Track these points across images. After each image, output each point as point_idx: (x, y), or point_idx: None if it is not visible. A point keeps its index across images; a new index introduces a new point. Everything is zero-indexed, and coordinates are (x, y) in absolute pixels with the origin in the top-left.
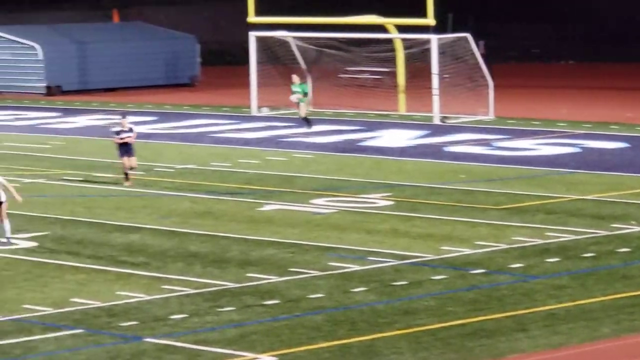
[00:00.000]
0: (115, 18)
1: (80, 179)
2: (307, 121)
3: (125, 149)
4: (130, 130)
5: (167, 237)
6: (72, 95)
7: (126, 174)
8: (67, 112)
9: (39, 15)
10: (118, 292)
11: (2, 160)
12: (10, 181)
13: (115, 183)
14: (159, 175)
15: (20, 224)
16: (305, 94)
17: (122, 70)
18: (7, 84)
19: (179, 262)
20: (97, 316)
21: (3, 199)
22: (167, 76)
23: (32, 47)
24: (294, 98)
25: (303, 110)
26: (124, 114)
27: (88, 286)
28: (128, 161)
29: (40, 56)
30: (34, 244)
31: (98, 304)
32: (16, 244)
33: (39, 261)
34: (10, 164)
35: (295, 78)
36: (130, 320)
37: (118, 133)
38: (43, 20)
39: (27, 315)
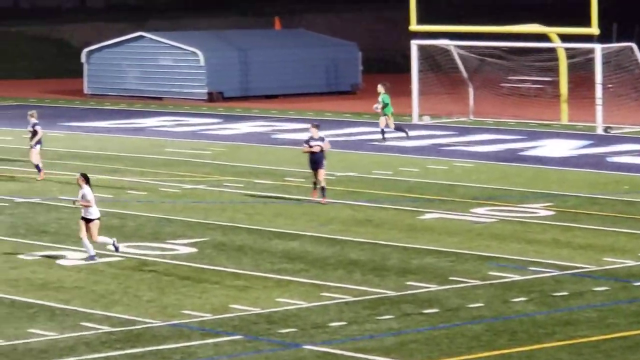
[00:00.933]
0: (277, 25)
1: (241, 185)
2: (400, 130)
3: (314, 159)
4: (321, 139)
5: (327, 245)
6: (233, 101)
7: (315, 185)
8: (228, 118)
9: (201, 22)
10: (277, 299)
11: (163, 166)
12: (170, 187)
13: (275, 190)
14: None
15: (181, 229)
16: (385, 105)
17: (283, 77)
18: (168, 89)
19: (339, 270)
20: (256, 323)
21: (94, 215)
22: (328, 84)
23: (194, 53)
24: (376, 107)
25: (383, 122)
26: (317, 124)
27: (247, 292)
28: (317, 174)
29: (202, 62)
30: (194, 249)
31: (257, 310)
32: (176, 250)
33: (199, 267)
34: (171, 170)
35: (380, 88)
36: (289, 327)
37: (308, 141)
38: (205, 27)
39: (187, 320)
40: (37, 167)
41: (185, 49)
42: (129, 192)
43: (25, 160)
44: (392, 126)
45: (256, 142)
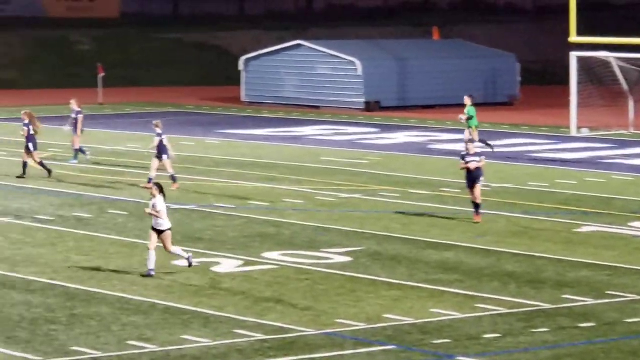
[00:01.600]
0: (435, 35)
1: (397, 195)
2: (485, 143)
3: (470, 177)
4: (477, 155)
5: (481, 256)
6: (390, 111)
7: (475, 204)
8: (385, 128)
9: (360, 31)
10: (431, 310)
11: (319, 175)
12: (326, 196)
13: (431, 200)
14: None
15: (336, 238)
16: (470, 118)
17: (440, 88)
18: (326, 98)
19: (494, 281)
20: (409, 333)
21: (165, 226)
22: (486, 94)
23: (352, 63)
24: (461, 118)
25: (467, 134)
26: (470, 139)
27: (402, 302)
28: (473, 192)
29: (360, 72)
30: (349, 259)
31: (411, 320)
32: (331, 259)
33: (354, 276)
34: (328, 179)
35: (467, 99)
36: (443, 338)
37: (463, 157)
38: (364, 36)
39: (340, 329)
40: (172, 177)
41: (343, 58)
42: (285, 200)
43: (183, 166)
44: (476, 139)
45: (413, 152)
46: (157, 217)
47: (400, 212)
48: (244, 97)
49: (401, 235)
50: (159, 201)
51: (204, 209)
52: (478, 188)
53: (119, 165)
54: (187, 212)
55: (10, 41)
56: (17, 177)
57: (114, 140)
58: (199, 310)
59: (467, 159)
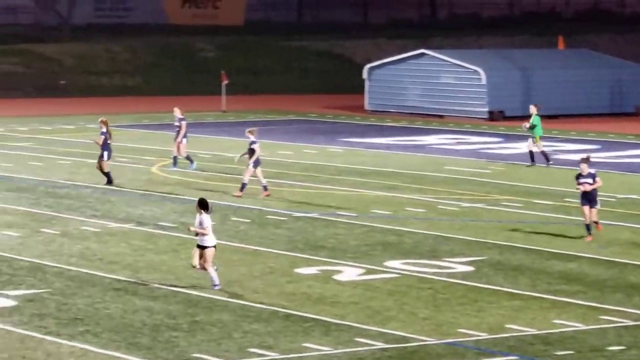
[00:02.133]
0: (560, 44)
1: (519, 205)
2: (544, 155)
3: (585, 197)
4: (591, 177)
5: (605, 267)
6: (514, 120)
7: (588, 227)
8: (509, 137)
9: (484, 40)
10: (554, 321)
11: (442, 184)
12: (449, 205)
13: (554, 210)
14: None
15: (458, 247)
16: (533, 126)
17: (565, 97)
18: (449, 107)
19: (618, 293)
20: (532, 344)
21: (210, 243)
22: (612, 105)
23: (476, 72)
24: (525, 126)
25: (530, 143)
26: (586, 157)
27: (524, 313)
28: (589, 212)
29: (484, 81)
30: (470, 268)
31: (533, 331)
32: (453, 268)
33: (475, 286)
34: (450, 188)
35: (533, 108)
36: (566, 349)
37: (577, 178)
38: (488, 45)
39: (462, 339)
40: (264, 186)
41: (467, 67)
42: (407, 209)
43: (305, 174)
44: (540, 149)
45: (536, 162)
46: (203, 234)
47: (523, 222)
48: (367, 105)
49: (524, 245)
50: (206, 218)
51: (326, 217)
52: (593, 211)
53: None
54: (309, 220)
55: (134, 48)
56: (105, 184)
57: (237, 148)
58: (320, 318)
59: (581, 180)
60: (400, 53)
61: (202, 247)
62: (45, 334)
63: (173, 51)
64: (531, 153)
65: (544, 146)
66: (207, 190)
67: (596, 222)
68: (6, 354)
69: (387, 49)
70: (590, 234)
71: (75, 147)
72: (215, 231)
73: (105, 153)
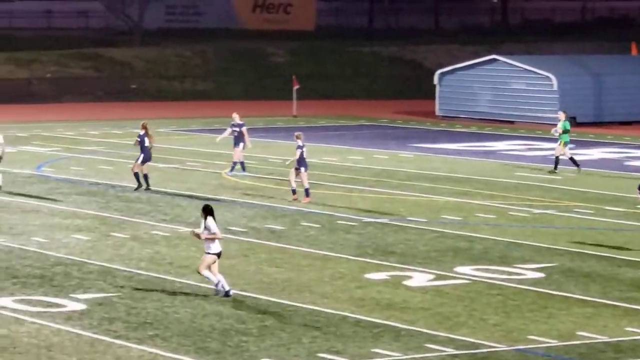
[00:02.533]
0: (634, 51)
1: (591, 211)
2: (573, 161)
3: None
4: None
5: None
6: (586, 127)
7: None
8: (581, 143)
9: (556, 46)
10: (626, 328)
11: (513, 190)
12: (519, 211)
13: (626, 217)
14: None
15: (529, 254)
16: (564, 131)
17: (637, 104)
18: (520, 113)
19: None
20: (603, 351)
21: (213, 250)
22: None
23: (548, 78)
24: (555, 132)
25: (558, 150)
26: None
27: (595, 320)
28: None
29: (555, 87)
30: (541, 275)
31: (605, 339)
32: (523, 274)
33: (546, 292)
34: (521, 194)
35: (562, 115)
36: (637, 357)
37: None
38: (560, 51)
39: (532, 346)
40: (306, 191)
41: (538, 73)
42: (477, 214)
43: (376, 179)
44: (567, 155)
45: (608, 168)
46: (215, 239)
47: (594, 229)
48: (438, 111)
49: (595, 252)
50: (212, 223)
51: (397, 223)
52: None
53: (312, 180)
54: (379, 225)
55: (204, 52)
56: (135, 189)
57: (308, 152)
58: (390, 323)
59: None
60: (471, 59)
61: (207, 253)
62: (115, 337)
63: (244, 56)
64: (572, 159)
65: (573, 153)
66: (278, 197)
67: None
68: (75, 358)
69: (459, 55)
70: None
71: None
72: (285, 236)
73: (141, 156)
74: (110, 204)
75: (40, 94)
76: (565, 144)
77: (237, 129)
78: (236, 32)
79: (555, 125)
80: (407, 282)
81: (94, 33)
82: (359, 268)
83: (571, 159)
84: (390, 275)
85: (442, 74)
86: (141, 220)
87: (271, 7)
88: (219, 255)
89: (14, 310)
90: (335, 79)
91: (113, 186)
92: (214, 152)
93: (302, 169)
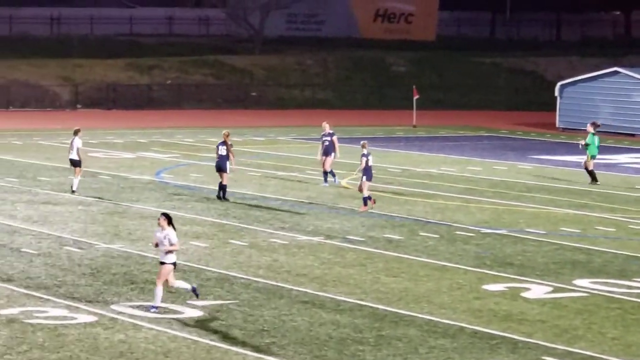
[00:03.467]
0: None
1: None
2: (590, 175)
3: None
4: None
5: None
6: None
7: None
8: None
9: None
10: None
11: (634, 203)
12: (639, 225)
13: None
14: None
15: None
16: (587, 145)
17: None
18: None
19: None
20: None
21: (170, 260)
22: None
23: None
24: (581, 145)
25: (589, 163)
26: None
27: None
28: None
29: None
30: None
31: None
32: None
33: None
34: (630, 207)
35: (590, 127)
36: None
37: None
38: None
39: None
40: (367, 198)
41: None
42: (597, 227)
43: (495, 190)
44: (589, 167)
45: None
46: (173, 250)
47: None
48: (558, 123)
49: None
50: (172, 233)
51: (515, 234)
52: None
53: (430, 189)
54: (498, 236)
55: (325, 61)
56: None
57: (427, 162)
58: (507, 335)
59: None
60: (592, 71)
61: (161, 263)
62: (232, 345)
63: (364, 65)
64: (590, 172)
65: None
66: (394, 206)
67: None
68: None
69: (580, 67)
70: None
71: (266, 160)
72: (403, 246)
73: (222, 165)
74: (229, 212)
75: (161, 100)
76: (592, 157)
77: (328, 139)
78: (357, 41)
79: None
80: (525, 294)
81: (214, 40)
82: (476, 279)
83: (590, 172)
84: (508, 287)
85: (563, 86)
86: (260, 228)
87: (392, 16)
88: (174, 265)
89: (132, 316)
90: (455, 89)
91: (232, 193)
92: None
93: (364, 177)
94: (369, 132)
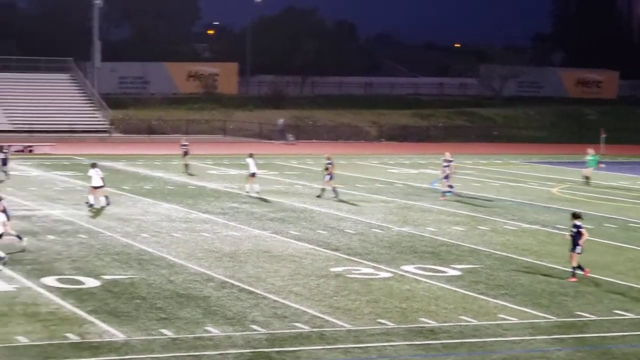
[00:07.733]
0: None
1: None
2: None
3: None
4: None
5: None
6: None
7: None
8: None
9: None
10: None
11: None
12: None
13: None
14: None
15: None
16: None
17: None
18: None
19: None
20: None
21: None
22: None
23: None
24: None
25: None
26: None
27: None
28: None
29: None
30: None
31: None
32: None
33: None
34: None
35: (590, 150)
36: None
37: None
38: None
39: None
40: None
41: None
42: None
43: None
44: (588, 175)
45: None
46: None
47: None
48: None
49: None
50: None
51: None
52: None
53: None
54: None
55: (542, 112)
56: (318, 196)
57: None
58: None
59: None
60: None
61: None
62: (479, 294)
63: (567, 114)
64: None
65: None
66: (590, 204)
67: None
68: (453, 305)
69: None
70: None
71: (502, 175)
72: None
73: (328, 177)
74: (477, 208)
75: (435, 137)
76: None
77: (447, 164)
78: (563, 99)
79: None
80: None
81: (470, 98)
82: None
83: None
84: None
85: None
86: (497, 219)
87: (589, 82)
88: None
89: (414, 274)
90: (632, 131)
91: (479, 196)
92: (545, 177)
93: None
94: (564, 159)
